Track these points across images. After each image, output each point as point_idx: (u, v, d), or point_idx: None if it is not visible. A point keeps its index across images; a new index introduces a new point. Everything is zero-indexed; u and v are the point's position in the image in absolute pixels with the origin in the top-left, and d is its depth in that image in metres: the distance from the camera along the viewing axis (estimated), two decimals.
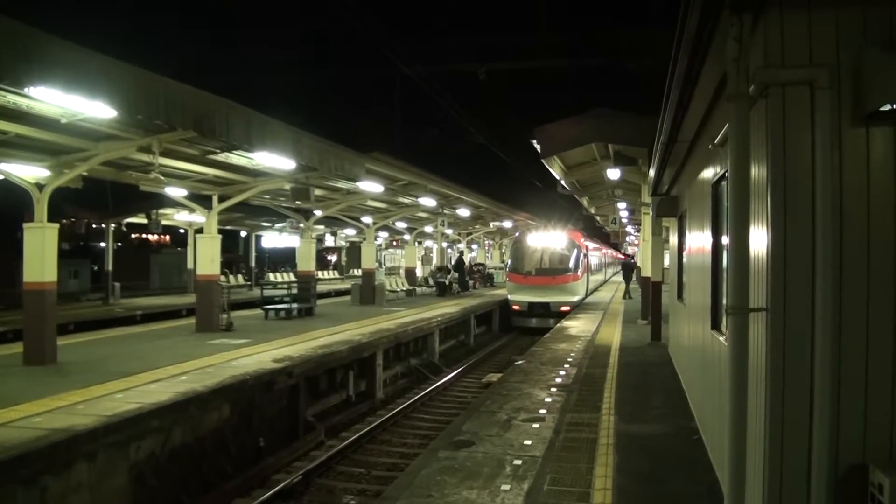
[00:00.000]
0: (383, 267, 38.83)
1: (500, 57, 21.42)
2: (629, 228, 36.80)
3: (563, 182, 18.66)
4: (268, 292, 19.48)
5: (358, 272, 29.56)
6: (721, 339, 5.03)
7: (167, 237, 50.46)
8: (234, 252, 42.04)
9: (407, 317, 17.15)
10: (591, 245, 30.30)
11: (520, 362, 11.96)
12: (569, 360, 11.86)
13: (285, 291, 18.76)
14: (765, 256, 3.58)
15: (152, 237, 51.42)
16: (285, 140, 10.32)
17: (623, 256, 66.56)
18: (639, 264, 26.04)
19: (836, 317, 3.34)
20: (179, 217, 24.85)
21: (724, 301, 4.29)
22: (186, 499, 7.40)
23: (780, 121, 3.47)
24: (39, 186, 9.73)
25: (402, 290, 25.26)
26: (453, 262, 31.82)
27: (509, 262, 25.80)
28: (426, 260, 43.97)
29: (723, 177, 5.07)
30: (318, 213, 19.63)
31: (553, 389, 9.37)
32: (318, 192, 15.38)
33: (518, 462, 6.14)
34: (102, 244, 28.49)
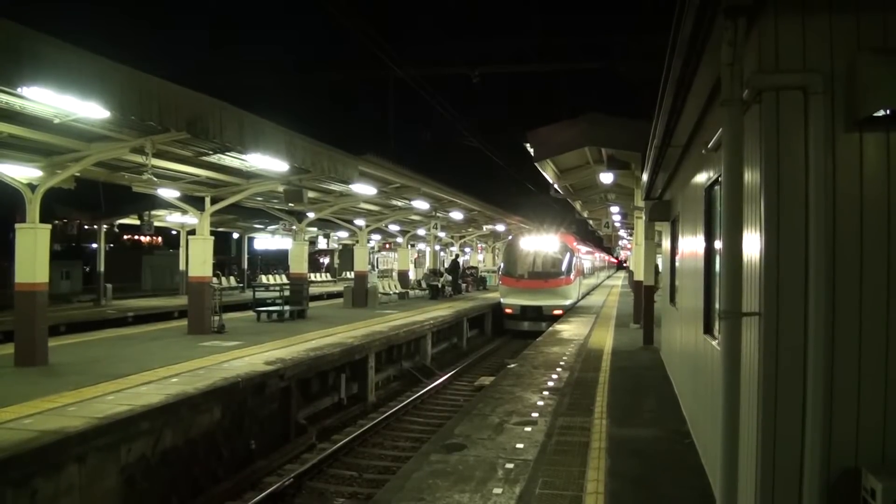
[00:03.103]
0: (376, 269, 38.79)
1: (493, 60, 21.43)
2: (622, 232, 36.94)
3: (555, 186, 18.69)
4: (260, 294, 19.39)
5: (350, 275, 29.52)
6: (714, 343, 5.04)
7: (159, 239, 50.16)
8: (226, 254, 41.95)
9: (399, 319, 17.12)
10: (583, 249, 30.35)
11: (512, 365, 11.95)
12: (561, 363, 11.87)
13: (277, 294, 18.70)
14: (758, 261, 3.59)
15: (144, 239, 51.14)
16: (278, 141, 10.30)
17: (616, 260, 66.79)
18: (631, 268, 26.09)
19: (828, 321, 3.36)
20: (172, 218, 24.73)
21: (717, 305, 4.30)
22: (177, 501, 7.36)
23: (773, 126, 3.48)
24: (32, 187, 9.68)
25: (394, 293, 25.22)
26: (447, 265, 31.78)
27: (502, 265, 25.79)
28: (419, 263, 43.95)
29: (716, 181, 5.09)
30: (311, 215, 19.59)
31: (545, 393, 9.37)
32: (311, 194, 15.37)
33: (510, 465, 6.13)
34: (94, 245, 28.26)
